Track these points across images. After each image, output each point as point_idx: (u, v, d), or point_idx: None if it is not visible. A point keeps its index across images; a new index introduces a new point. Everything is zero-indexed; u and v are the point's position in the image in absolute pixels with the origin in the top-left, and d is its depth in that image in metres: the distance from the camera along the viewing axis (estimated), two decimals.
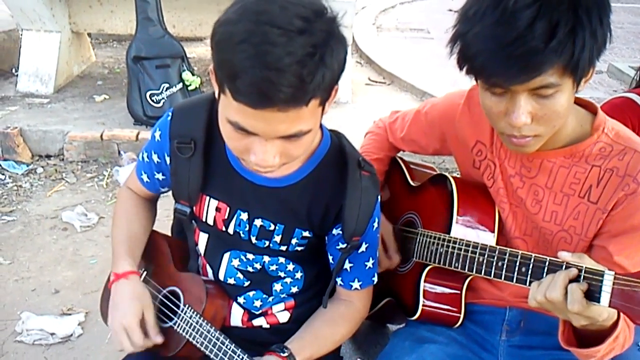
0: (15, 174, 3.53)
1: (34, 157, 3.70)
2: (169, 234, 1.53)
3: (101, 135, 3.66)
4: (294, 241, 1.28)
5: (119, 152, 3.65)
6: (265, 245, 1.29)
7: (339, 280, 1.33)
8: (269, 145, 1.03)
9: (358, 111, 4.23)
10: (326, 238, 1.30)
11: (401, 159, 1.69)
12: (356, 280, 1.32)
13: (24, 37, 4.31)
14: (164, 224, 1.53)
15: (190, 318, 1.29)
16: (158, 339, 1.29)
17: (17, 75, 4.33)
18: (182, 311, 1.31)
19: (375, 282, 1.35)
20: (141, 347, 1.27)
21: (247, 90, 0.94)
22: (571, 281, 1.01)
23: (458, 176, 1.46)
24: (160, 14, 3.78)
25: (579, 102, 1.26)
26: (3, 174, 3.52)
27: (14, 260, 2.81)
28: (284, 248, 1.29)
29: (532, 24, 1.00)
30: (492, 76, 1.09)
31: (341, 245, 1.27)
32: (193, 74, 3.87)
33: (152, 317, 1.30)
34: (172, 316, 1.33)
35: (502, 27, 1.03)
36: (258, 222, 1.27)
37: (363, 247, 1.29)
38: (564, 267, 1.04)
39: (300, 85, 0.93)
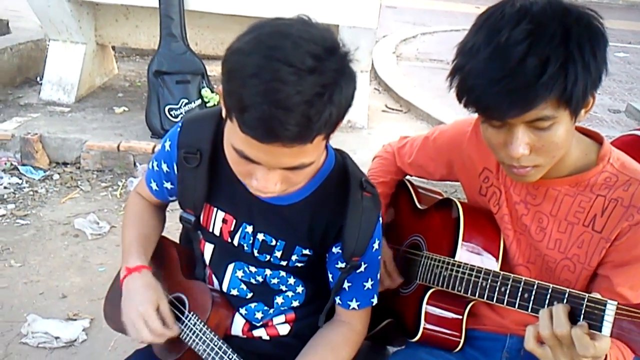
0: (32, 179, 3.60)
1: (51, 163, 3.77)
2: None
3: (118, 146, 3.72)
4: (294, 257, 1.30)
5: (135, 164, 3.71)
6: (267, 259, 1.31)
7: (337, 299, 1.33)
8: (271, 174, 1.05)
9: (373, 137, 4.25)
10: (326, 256, 1.31)
11: (410, 182, 1.70)
12: (354, 300, 1.31)
13: (51, 47, 4.42)
14: (174, 236, 1.55)
15: (194, 325, 1.31)
16: (175, 329, 1.28)
17: (41, 84, 4.43)
18: (186, 318, 1.32)
19: (374, 304, 1.35)
20: (160, 334, 1.25)
21: (253, 125, 0.95)
22: (571, 320, 0.99)
23: (465, 202, 1.47)
24: (183, 31, 3.87)
25: (584, 131, 1.28)
26: (20, 179, 3.58)
27: (25, 263, 2.85)
28: (284, 263, 1.31)
29: (523, 59, 1.02)
30: (487, 110, 1.11)
31: (340, 265, 1.27)
32: (212, 91, 3.93)
33: (167, 308, 1.29)
34: (176, 322, 1.34)
35: (495, 63, 1.04)
36: (260, 237, 1.29)
37: (362, 268, 1.29)
38: (567, 294, 1.03)
39: (307, 124, 0.94)
